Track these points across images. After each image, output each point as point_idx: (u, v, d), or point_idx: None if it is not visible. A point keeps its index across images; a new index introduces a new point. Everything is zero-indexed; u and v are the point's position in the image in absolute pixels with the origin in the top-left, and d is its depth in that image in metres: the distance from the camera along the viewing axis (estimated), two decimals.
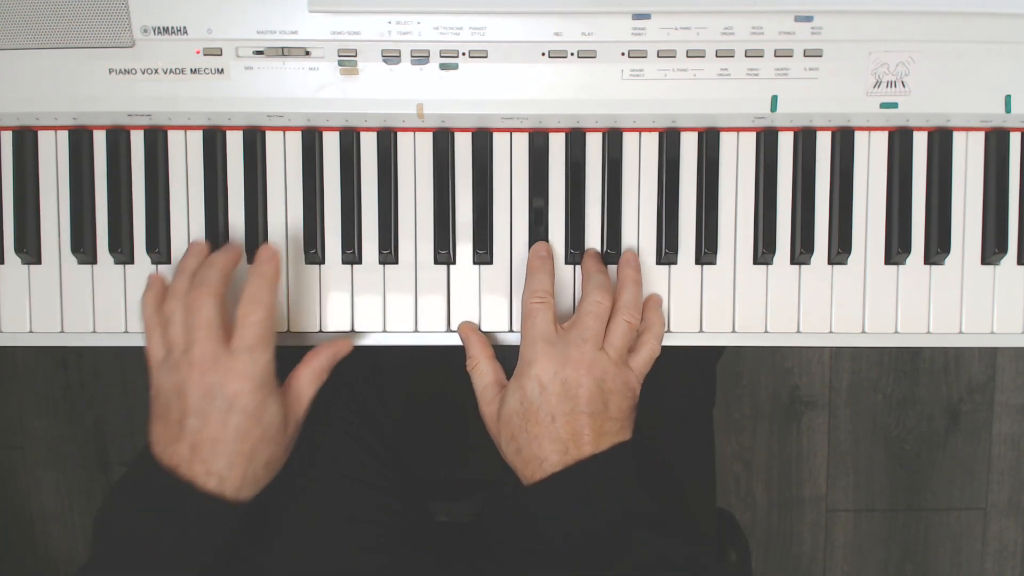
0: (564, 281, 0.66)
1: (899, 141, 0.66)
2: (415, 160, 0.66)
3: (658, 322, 0.63)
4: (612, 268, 0.66)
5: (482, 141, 0.65)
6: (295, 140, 0.65)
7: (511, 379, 0.60)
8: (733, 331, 0.66)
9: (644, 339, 0.62)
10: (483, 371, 0.63)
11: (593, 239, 0.66)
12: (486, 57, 0.62)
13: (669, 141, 0.65)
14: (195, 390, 0.56)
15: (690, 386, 0.78)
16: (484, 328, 0.66)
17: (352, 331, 0.66)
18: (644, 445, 0.62)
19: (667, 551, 0.57)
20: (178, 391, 0.56)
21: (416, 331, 0.66)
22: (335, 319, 0.66)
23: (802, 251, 0.65)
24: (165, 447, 0.56)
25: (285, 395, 0.60)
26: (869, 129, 0.66)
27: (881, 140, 0.66)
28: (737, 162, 0.66)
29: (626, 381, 0.60)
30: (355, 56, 0.62)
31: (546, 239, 0.65)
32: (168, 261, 0.65)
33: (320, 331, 0.66)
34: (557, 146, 0.66)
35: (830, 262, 0.66)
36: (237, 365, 0.56)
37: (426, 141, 0.65)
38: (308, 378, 0.61)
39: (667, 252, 0.65)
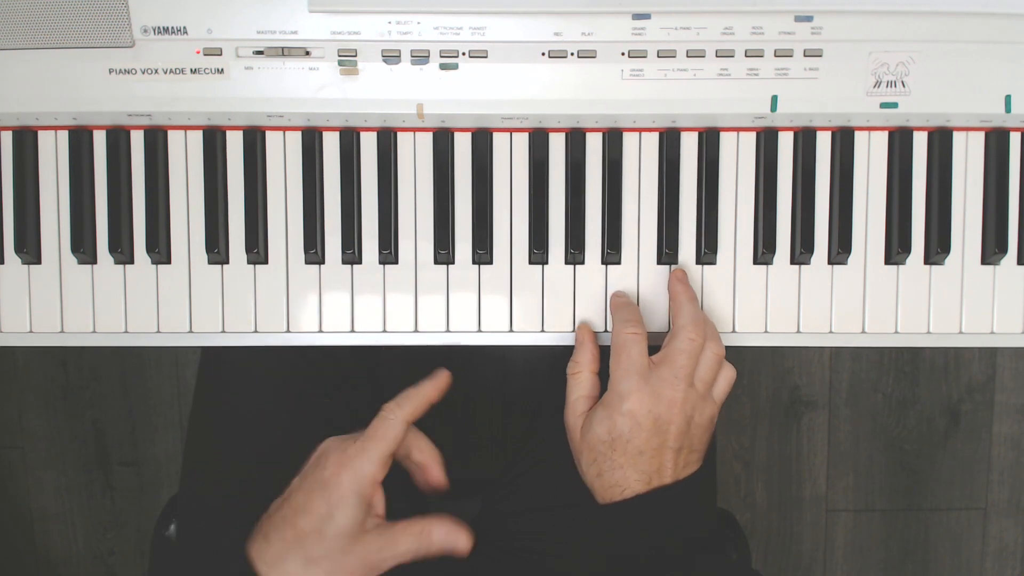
0: (564, 281, 0.66)
1: (899, 141, 0.66)
2: (415, 160, 0.66)
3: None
4: (613, 269, 0.66)
5: (482, 141, 0.65)
6: (295, 140, 0.65)
7: (599, 404, 0.60)
8: (733, 331, 0.66)
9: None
10: (583, 382, 0.62)
11: (593, 239, 0.66)
12: (486, 57, 0.62)
13: (669, 141, 0.65)
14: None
15: None
16: (483, 328, 0.66)
17: (352, 331, 0.66)
18: None
19: (722, 569, 0.59)
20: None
21: (416, 331, 0.66)
22: (335, 319, 0.66)
23: (802, 251, 0.65)
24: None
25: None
26: (869, 129, 0.66)
27: (881, 140, 0.66)
28: (737, 162, 0.66)
29: (712, 416, 0.60)
30: (355, 56, 0.62)
31: (547, 239, 0.65)
32: (168, 261, 0.65)
33: (320, 331, 0.66)
34: (557, 146, 0.66)
35: (830, 262, 0.66)
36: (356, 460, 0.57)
37: (426, 141, 0.65)
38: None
39: (667, 252, 0.65)
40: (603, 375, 0.62)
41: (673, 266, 0.66)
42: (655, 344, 0.62)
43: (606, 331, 0.66)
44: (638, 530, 0.58)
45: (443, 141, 0.65)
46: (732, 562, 0.59)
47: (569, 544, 0.71)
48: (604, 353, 0.63)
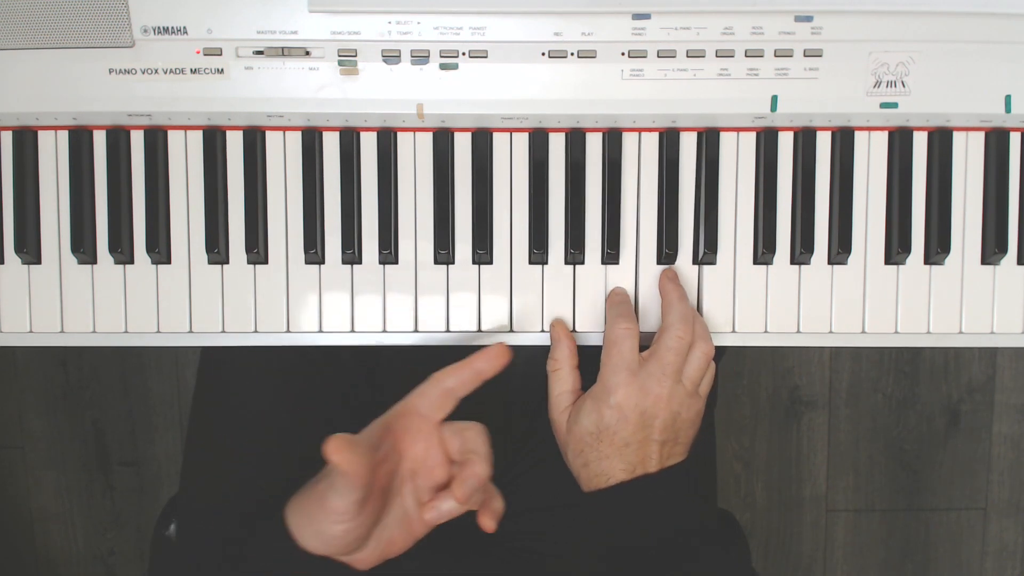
0: (564, 281, 0.66)
1: (899, 141, 0.66)
2: (415, 160, 0.66)
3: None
4: (613, 269, 0.66)
5: (482, 141, 0.65)
6: (295, 140, 0.65)
7: (587, 396, 0.61)
8: (733, 331, 0.66)
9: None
10: (563, 378, 0.63)
11: (593, 239, 0.66)
12: (486, 57, 0.62)
13: (669, 141, 0.65)
14: None
15: None
16: (484, 328, 0.66)
17: (352, 331, 0.66)
18: None
19: (721, 564, 0.60)
20: None
21: (416, 331, 0.66)
22: (335, 319, 0.66)
23: (802, 251, 0.65)
24: None
25: None
26: (869, 129, 0.66)
27: (881, 140, 0.66)
28: (737, 162, 0.66)
29: (699, 411, 0.62)
30: (355, 56, 0.62)
31: (547, 239, 0.65)
32: (168, 261, 0.65)
33: (320, 331, 0.66)
34: (557, 146, 0.66)
35: (830, 262, 0.66)
36: None
37: (426, 141, 0.65)
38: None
39: (667, 252, 0.65)
40: (582, 370, 0.63)
41: (672, 266, 0.66)
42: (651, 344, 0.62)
43: (601, 332, 0.66)
44: (624, 517, 0.59)
45: (443, 141, 0.65)
46: (731, 560, 0.60)
47: (569, 544, 0.71)
48: (582, 352, 0.64)
